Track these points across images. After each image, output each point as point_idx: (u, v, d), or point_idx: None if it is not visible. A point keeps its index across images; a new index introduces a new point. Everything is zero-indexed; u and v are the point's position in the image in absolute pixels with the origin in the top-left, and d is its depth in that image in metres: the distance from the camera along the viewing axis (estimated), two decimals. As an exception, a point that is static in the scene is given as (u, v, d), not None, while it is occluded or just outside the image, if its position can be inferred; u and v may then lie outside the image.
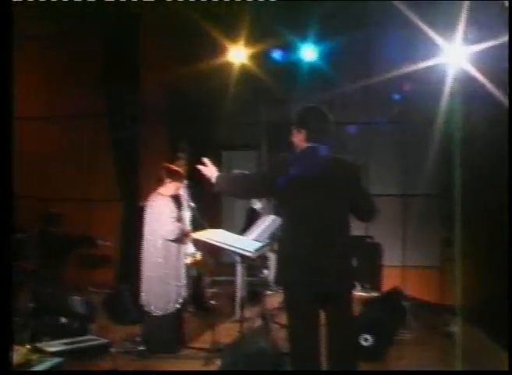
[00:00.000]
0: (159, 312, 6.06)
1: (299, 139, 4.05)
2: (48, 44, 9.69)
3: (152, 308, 6.08)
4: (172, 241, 6.08)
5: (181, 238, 6.17)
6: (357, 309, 5.97)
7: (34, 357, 4.97)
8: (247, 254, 5.25)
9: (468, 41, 6.40)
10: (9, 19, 4.12)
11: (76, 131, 9.85)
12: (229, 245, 5.20)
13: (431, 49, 7.22)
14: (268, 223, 6.05)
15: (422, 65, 7.42)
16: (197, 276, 7.52)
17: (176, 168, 6.41)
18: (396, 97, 8.81)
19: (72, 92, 9.61)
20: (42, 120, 10.07)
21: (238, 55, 8.49)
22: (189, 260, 6.73)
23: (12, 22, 4.16)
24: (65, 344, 5.84)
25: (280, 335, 5.94)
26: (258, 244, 5.37)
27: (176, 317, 6.16)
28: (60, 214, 9.19)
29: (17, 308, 6.91)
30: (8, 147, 3.97)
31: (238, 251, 5.26)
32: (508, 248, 5.73)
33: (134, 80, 9.10)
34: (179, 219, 6.27)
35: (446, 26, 6.84)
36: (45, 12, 7.61)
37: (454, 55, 7.15)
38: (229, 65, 8.56)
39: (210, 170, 4.21)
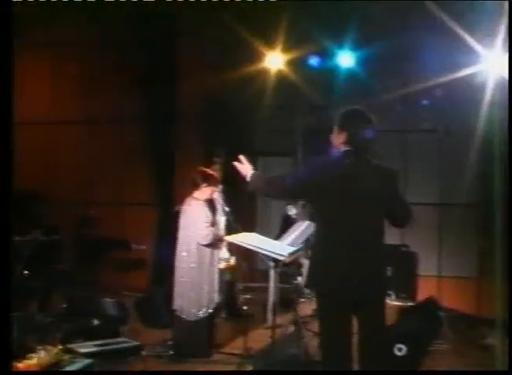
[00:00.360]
0: (192, 317, 6.05)
1: (338, 141, 3.95)
2: (84, 49, 9.78)
3: (184, 312, 6.07)
4: (206, 245, 6.07)
5: (215, 243, 6.16)
6: (392, 318, 5.90)
7: (66, 357, 5.01)
8: (280, 257, 5.18)
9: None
10: (9, 19, 4.13)
11: (111, 135, 9.91)
12: (262, 248, 5.14)
13: (470, 56, 7.13)
14: (302, 228, 5.98)
15: (462, 72, 7.32)
16: (230, 282, 7.49)
17: (212, 172, 6.40)
18: (435, 104, 8.68)
19: (108, 96, 9.66)
20: (78, 124, 10.16)
21: (275, 61, 8.49)
22: (222, 265, 6.69)
23: (12, 22, 4.17)
24: (97, 345, 5.86)
25: (312, 343, 5.86)
26: (292, 249, 5.30)
27: (208, 322, 6.14)
28: (95, 217, 9.26)
29: (50, 309, 6.99)
30: (8, 147, 3.99)
31: (271, 254, 5.19)
32: (508, 251, 5.63)
33: (170, 85, 9.15)
34: (214, 224, 6.26)
35: (486, 34, 6.76)
36: (80, 14, 7.69)
37: (494, 63, 7.06)
38: (265, 71, 8.55)
39: (245, 168, 4.16)
